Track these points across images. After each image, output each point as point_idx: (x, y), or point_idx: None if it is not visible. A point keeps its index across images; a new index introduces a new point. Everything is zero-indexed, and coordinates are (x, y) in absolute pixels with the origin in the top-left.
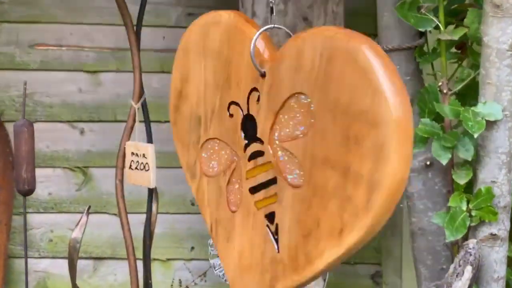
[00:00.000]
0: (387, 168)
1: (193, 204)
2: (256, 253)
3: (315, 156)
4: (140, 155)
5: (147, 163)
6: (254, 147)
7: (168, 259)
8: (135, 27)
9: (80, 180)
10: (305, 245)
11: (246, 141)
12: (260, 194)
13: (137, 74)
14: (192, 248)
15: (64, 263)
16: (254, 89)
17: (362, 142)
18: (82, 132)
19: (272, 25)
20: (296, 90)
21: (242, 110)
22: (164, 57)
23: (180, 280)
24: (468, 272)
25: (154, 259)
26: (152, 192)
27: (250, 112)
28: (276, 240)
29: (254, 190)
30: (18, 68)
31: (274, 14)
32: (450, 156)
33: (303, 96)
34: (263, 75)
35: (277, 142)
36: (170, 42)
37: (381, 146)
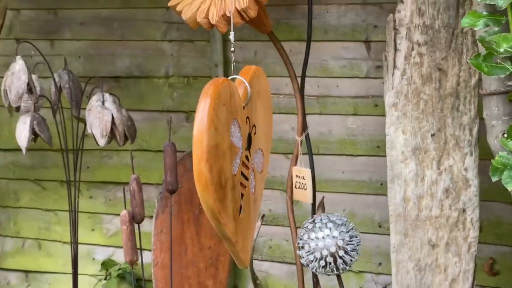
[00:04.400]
0: None
1: (380, 226)
2: None
3: None
4: (301, 177)
5: (305, 183)
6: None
7: (360, 271)
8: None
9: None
10: None
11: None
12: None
13: (300, 114)
14: (380, 263)
15: (280, 266)
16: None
17: None
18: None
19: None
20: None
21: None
22: (356, 101)
23: None
24: None
25: (349, 270)
26: (314, 207)
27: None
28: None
29: None
30: None
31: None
32: None
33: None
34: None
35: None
36: (362, 90)
37: None
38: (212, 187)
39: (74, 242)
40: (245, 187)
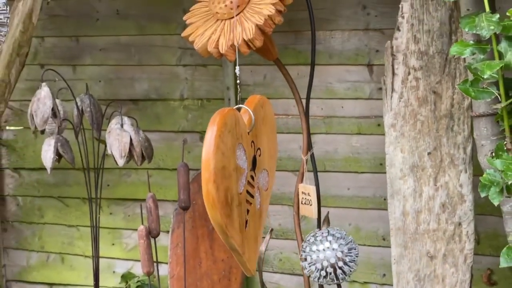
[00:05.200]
0: None
1: (384, 239)
2: None
3: None
4: (306, 194)
5: (310, 199)
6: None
7: (365, 282)
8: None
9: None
10: None
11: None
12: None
13: (305, 135)
14: (384, 275)
15: (290, 277)
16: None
17: None
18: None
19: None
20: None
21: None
22: (360, 121)
23: None
24: None
25: (354, 281)
26: (319, 222)
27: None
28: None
29: None
30: None
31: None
32: (501, 198)
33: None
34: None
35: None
36: (365, 110)
37: None
38: (219, 204)
39: (96, 256)
40: (251, 203)
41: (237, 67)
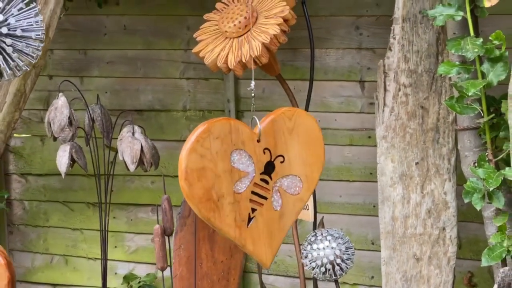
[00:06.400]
0: None
1: (372, 243)
2: None
3: None
4: None
5: (308, 204)
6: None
7: (355, 284)
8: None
9: (298, 220)
10: None
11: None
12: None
13: None
14: (372, 277)
15: (284, 279)
16: None
17: None
18: None
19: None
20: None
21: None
22: (352, 133)
23: None
24: None
25: (345, 283)
26: (315, 225)
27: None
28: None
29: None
30: None
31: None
32: (483, 204)
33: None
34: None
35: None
36: (357, 123)
37: None
38: (195, 199)
39: (104, 259)
40: (261, 204)
41: (252, 82)
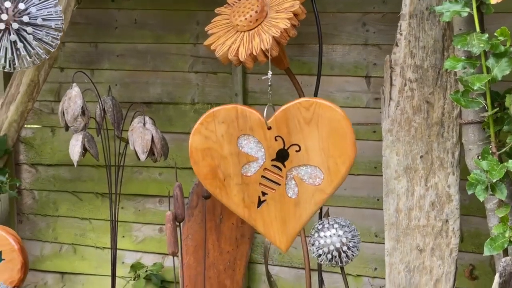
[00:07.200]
0: None
1: (376, 236)
2: None
3: None
4: None
5: None
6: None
7: (358, 275)
8: None
9: None
10: None
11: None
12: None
13: None
14: (375, 268)
15: (289, 270)
16: None
17: None
18: None
19: (268, 104)
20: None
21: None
22: (358, 128)
23: None
24: (496, 278)
25: (348, 274)
26: (321, 216)
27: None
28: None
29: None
30: None
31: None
32: (486, 195)
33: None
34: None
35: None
36: (362, 118)
37: None
38: (201, 176)
39: (113, 248)
40: (274, 189)
41: (269, 72)
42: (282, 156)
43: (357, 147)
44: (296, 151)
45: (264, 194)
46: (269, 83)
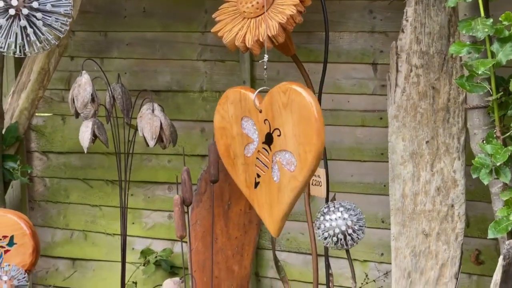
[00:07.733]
0: None
1: (382, 222)
2: None
3: None
4: (317, 176)
5: (320, 181)
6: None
7: (365, 260)
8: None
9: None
10: None
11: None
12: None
13: None
14: (382, 254)
15: (296, 256)
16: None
17: None
18: None
19: (263, 87)
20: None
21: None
22: (364, 115)
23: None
24: (500, 260)
25: (355, 259)
26: (327, 201)
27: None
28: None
29: None
30: None
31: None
32: (490, 179)
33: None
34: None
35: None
36: (369, 105)
37: None
38: (220, 152)
39: (123, 234)
40: (264, 171)
41: (265, 56)
42: (269, 139)
43: (364, 133)
44: (278, 135)
45: (258, 176)
46: (265, 67)
